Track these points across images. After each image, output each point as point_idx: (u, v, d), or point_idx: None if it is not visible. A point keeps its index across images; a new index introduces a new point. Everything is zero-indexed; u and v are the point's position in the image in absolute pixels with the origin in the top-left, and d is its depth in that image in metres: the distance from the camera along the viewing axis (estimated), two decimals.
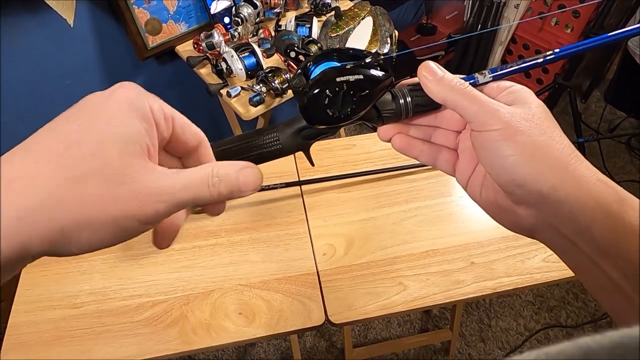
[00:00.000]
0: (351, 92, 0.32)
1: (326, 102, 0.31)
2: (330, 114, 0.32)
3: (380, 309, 0.71)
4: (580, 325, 1.53)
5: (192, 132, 0.29)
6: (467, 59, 2.08)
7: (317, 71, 0.33)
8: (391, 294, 0.73)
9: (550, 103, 1.83)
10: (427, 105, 0.34)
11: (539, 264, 0.75)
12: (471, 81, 0.33)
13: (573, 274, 0.73)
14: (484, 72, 0.33)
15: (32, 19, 1.11)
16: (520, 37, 2.06)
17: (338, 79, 0.31)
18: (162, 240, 0.30)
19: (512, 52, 2.14)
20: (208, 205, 0.30)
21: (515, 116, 0.29)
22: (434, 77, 0.31)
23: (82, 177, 0.22)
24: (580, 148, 1.72)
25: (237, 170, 0.28)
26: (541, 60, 0.32)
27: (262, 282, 0.75)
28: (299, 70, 0.34)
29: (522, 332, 1.52)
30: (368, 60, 0.33)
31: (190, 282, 0.76)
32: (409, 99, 0.34)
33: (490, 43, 2.05)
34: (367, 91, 0.32)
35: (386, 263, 0.77)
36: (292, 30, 1.26)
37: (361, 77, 0.32)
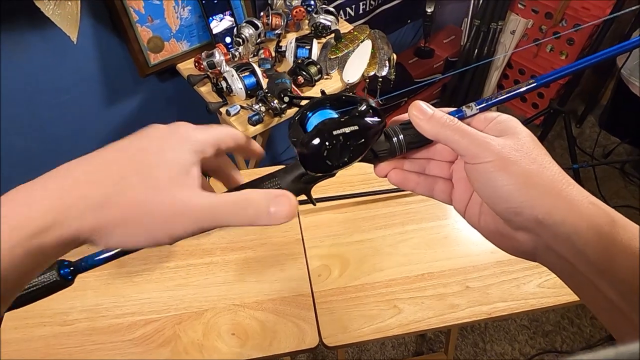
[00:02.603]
0: (348, 143, 0.33)
1: (325, 154, 0.33)
2: (329, 163, 0.33)
3: (374, 332, 0.71)
4: (575, 350, 1.51)
5: (233, 171, 0.37)
6: (464, 82, 2.11)
7: (313, 120, 0.34)
8: (386, 317, 0.73)
9: (546, 128, 1.85)
10: (419, 142, 0.35)
11: (534, 290, 0.75)
12: (459, 115, 0.34)
13: (567, 300, 0.73)
14: (470, 104, 0.34)
15: (36, 34, 1.12)
16: (516, 63, 2.09)
17: (335, 132, 0.33)
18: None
19: (509, 76, 2.18)
20: (247, 151, 0.37)
21: (505, 147, 0.30)
22: (424, 115, 0.33)
23: (132, 185, 0.26)
24: (576, 173, 1.73)
25: (269, 199, 0.29)
26: (524, 89, 0.33)
27: (256, 302, 0.75)
28: (296, 118, 0.35)
29: (517, 357, 1.51)
30: (362, 107, 0.34)
31: (183, 301, 0.75)
32: (401, 137, 0.35)
33: (486, 67, 2.09)
34: (363, 139, 0.33)
35: (381, 285, 0.77)
36: (292, 51, 1.28)
37: (357, 128, 0.33)
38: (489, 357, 1.51)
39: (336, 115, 0.35)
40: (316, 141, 0.32)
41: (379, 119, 0.34)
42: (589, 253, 0.28)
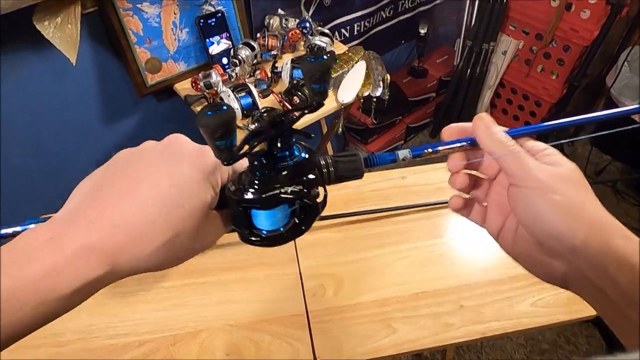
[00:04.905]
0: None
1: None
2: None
3: (369, 352, 0.71)
4: None
5: None
6: (457, 101, 2.14)
7: (261, 221, 0.34)
8: (380, 337, 0.73)
9: None
10: (348, 176, 0.37)
11: (527, 309, 0.75)
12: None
13: (560, 320, 0.74)
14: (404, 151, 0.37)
15: (36, 55, 1.14)
16: (508, 82, 2.13)
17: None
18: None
19: (501, 95, 2.21)
20: None
21: (553, 176, 0.32)
22: (487, 130, 0.34)
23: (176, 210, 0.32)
24: None
25: None
26: (430, 150, 0.37)
27: (251, 322, 0.75)
28: (239, 209, 0.34)
29: None
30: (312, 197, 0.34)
31: (178, 321, 0.75)
32: (332, 169, 0.36)
33: (479, 87, 2.12)
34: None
35: (376, 305, 0.77)
36: (288, 72, 1.30)
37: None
38: None
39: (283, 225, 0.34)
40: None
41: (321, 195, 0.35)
42: (621, 281, 0.29)
